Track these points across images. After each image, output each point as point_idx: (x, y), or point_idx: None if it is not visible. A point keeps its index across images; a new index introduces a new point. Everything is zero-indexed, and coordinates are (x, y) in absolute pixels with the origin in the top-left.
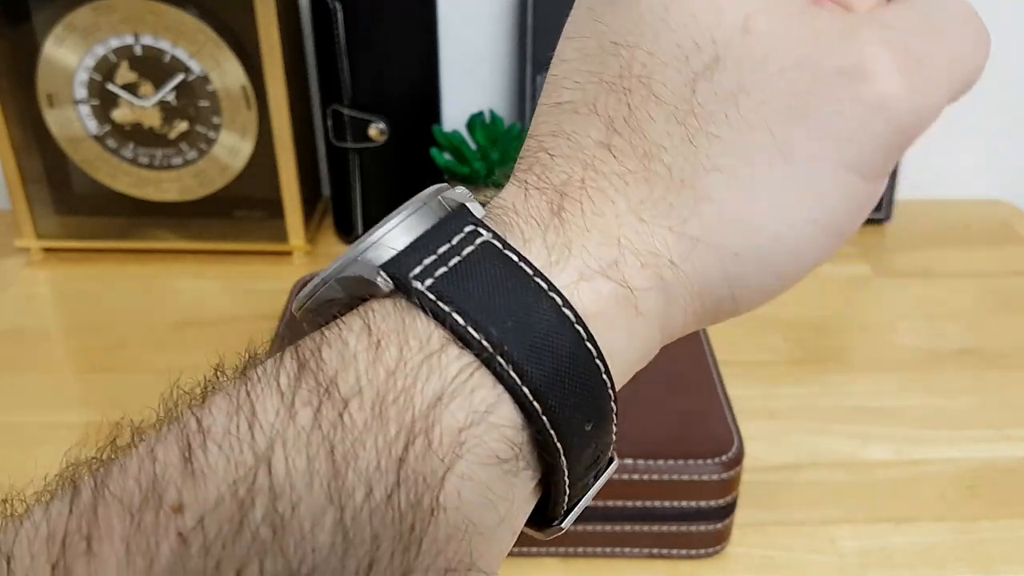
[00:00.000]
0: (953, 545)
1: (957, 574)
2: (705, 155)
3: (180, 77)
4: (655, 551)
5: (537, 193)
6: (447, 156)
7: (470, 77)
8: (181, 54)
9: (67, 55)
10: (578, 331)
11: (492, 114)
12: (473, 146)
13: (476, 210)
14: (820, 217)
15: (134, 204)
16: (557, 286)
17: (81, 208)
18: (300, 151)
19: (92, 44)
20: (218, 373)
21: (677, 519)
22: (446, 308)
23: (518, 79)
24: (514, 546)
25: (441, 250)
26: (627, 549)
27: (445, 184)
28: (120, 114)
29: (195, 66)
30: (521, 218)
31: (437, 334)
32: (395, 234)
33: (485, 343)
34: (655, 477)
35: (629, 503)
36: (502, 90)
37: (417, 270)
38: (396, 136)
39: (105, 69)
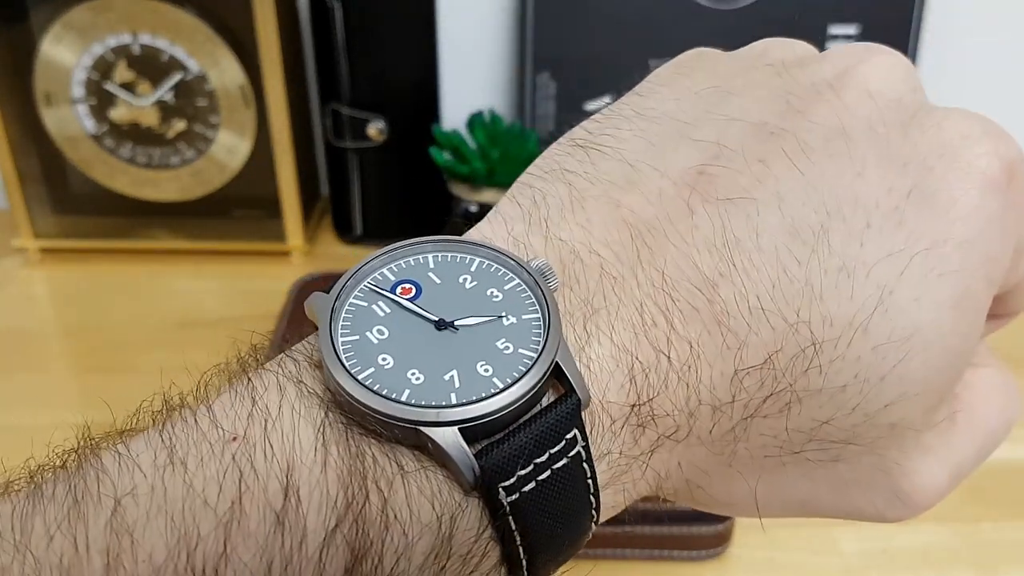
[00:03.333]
0: (955, 546)
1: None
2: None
3: (178, 76)
4: (656, 552)
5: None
6: (447, 155)
7: (470, 76)
8: (179, 53)
9: (65, 54)
10: (593, 511)
11: (492, 113)
12: (473, 145)
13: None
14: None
15: (132, 204)
16: (602, 508)
17: (79, 208)
18: (299, 150)
19: (90, 43)
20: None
21: (678, 520)
22: (517, 539)
23: (518, 78)
24: None
25: (538, 460)
26: (628, 551)
27: (547, 265)
28: (118, 113)
29: (193, 65)
30: (604, 414)
31: (494, 556)
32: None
33: (526, 572)
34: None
35: (630, 504)
36: (502, 89)
37: (509, 481)
38: (395, 135)
39: (103, 68)
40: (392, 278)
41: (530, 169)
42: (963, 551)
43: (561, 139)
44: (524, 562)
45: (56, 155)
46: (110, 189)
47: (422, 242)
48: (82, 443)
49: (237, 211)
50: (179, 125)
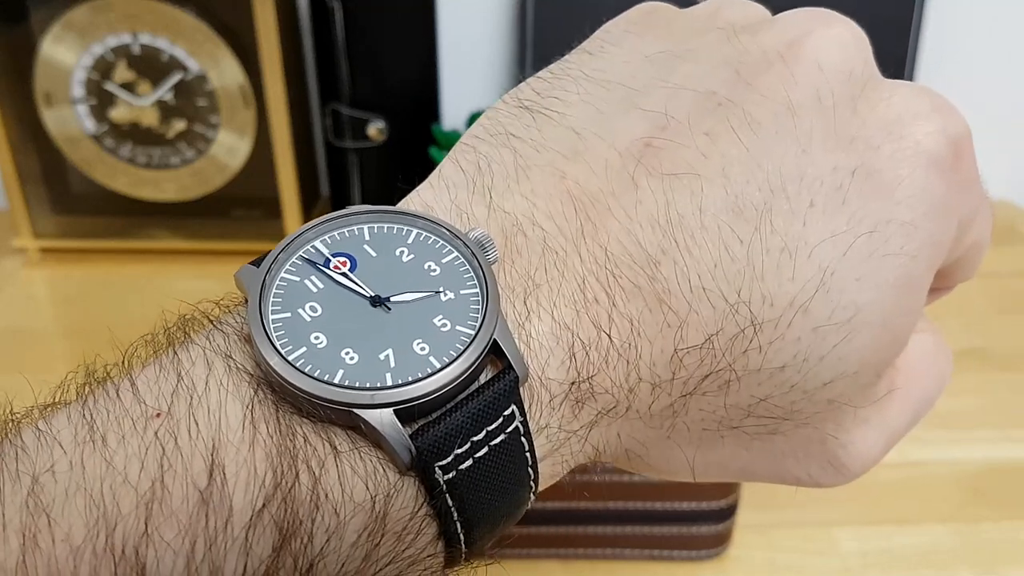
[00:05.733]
0: (955, 546)
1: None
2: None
3: (178, 76)
4: (656, 553)
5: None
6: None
7: (469, 76)
8: (179, 53)
9: (65, 54)
10: (531, 483)
11: None
12: None
13: (512, 332)
14: None
15: (132, 204)
16: (540, 479)
17: (78, 208)
18: (298, 150)
19: (90, 43)
20: None
21: (678, 521)
22: (454, 515)
23: (517, 78)
24: (514, 547)
25: (475, 438)
26: (628, 551)
27: (486, 236)
28: (118, 113)
29: (193, 65)
30: (543, 390)
31: (430, 532)
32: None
33: (463, 546)
34: (656, 478)
35: (630, 505)
36: (502, 89)
37: (446, 460)
38: (395, 135)
39: (103, 68)
40: (326, 251)
41: (474, 130)
42: (963, 551)
43: (506, 96)
44: (461, 536)
45: (56, 155)
46: (110, 189)
47: (358, 212)
48: (3, 418)
49: (237, 211)
50: (179, 125)
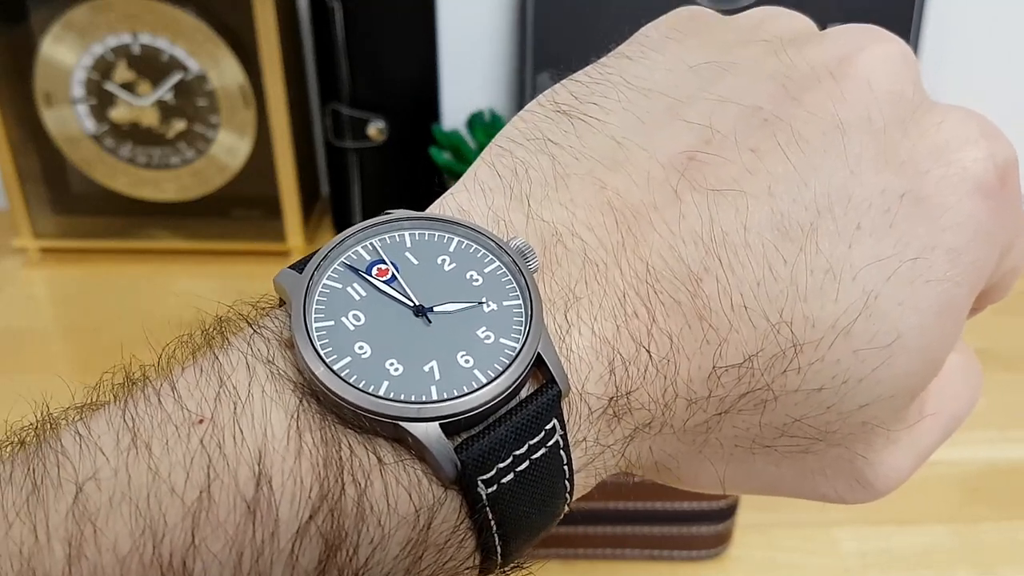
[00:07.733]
0: (955, 547)
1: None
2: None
3: (178, 76)
4: (656, 553)
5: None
6: (446, 155)
7: (469, 76)
8: (179, 53)
9: (65, 54)
10: (567, 495)
11: (492, 113)
12: (473, 145)
13: (555, 350)
14: None
15: (132, 204)
16: (575, 490)
17: (78, 208)
18: (299, 150)
19: (90, 43)
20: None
21: (678, 520)
22: (493, 528)
23: (518, 78)
24: None
25: (517, 452)
26: (628, 551)
27: (530, 251)
28: (118, 113)
29: (193, 65)
30: (582, 404)
31: (470, 545)
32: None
33: (500, 557)
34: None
35: (630, 504)
36: (502, 89)
37: (489, 474)
38: (395, 135)
39: (103, 68)
40: (368, 258)
41: (509, 132)
42: (963, 551)
43: (543, 98)
44: (499, 548)
45: (56, 155)
46: (110, 189)
47: (399, 219)
48: (40, 419)
49: (237, 211)
50: (179, 125)
